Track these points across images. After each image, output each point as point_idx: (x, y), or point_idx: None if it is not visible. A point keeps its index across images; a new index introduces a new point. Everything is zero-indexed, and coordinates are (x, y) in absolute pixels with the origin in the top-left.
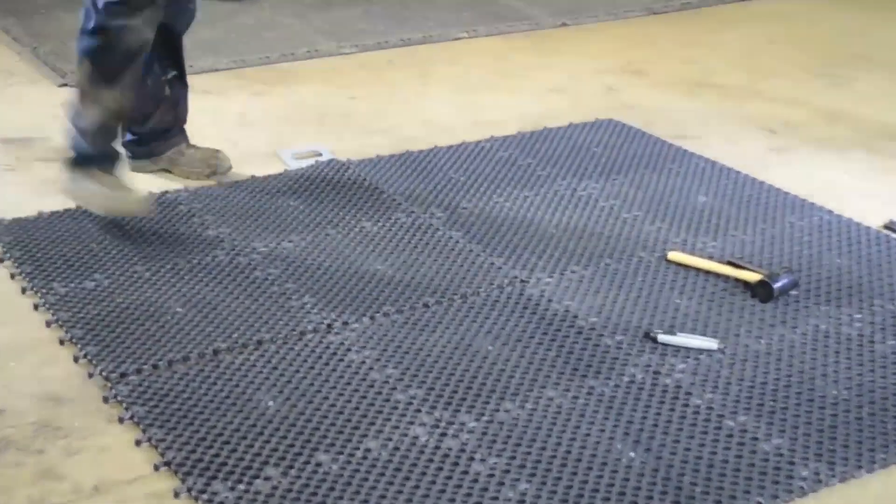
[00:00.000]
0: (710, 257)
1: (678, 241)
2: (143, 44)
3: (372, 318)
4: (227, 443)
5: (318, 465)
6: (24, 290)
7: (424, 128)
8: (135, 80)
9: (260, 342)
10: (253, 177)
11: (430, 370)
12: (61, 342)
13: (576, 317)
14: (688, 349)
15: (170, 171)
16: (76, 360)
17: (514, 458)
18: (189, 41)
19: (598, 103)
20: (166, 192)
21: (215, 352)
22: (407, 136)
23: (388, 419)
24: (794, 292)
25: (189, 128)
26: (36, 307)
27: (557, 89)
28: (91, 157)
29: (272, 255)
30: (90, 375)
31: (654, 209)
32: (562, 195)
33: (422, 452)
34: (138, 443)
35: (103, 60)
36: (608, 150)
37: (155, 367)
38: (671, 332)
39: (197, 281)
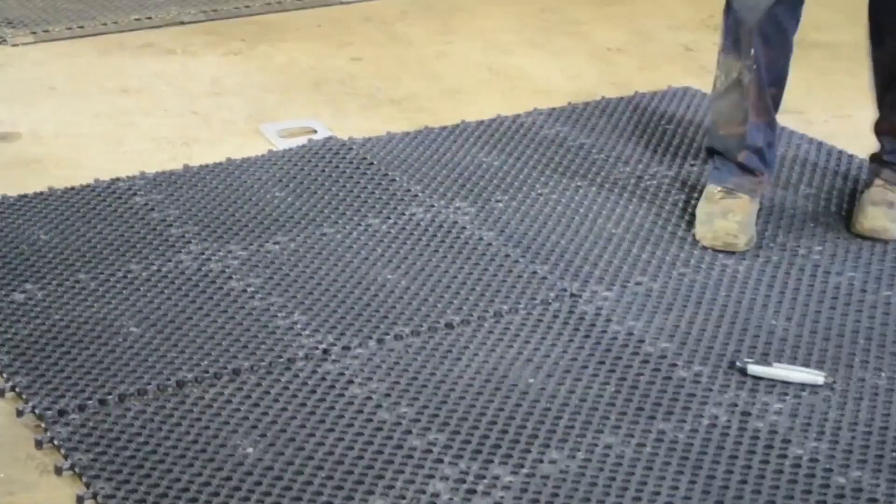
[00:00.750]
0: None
1: (774, 247)
2: None
3: (380, 341)
4: (195, 500)
5: None
6: None
7: (447, 98)
8: None
9: (237, 372)
10: (228, 160)
11: (454, 409)
12: None
13: (641, 341)
14: (786, 384)
15: None
16: (1, 393)
17: None
18: None
19: (673, 67)
20: (117, 178)
21: (179, 383)
22: (425, 109)
23: (402, 471)
24: None
25: (149, 97)
26: None
27: (619, 49)
28: None
29: (252, 260)
30: (19, 413)
31: None
32: (624, 185)
33: None
34: (80, 500)
35: None
36: (684, 128)
37: (102, 402)
38: (765, 361)
39: (157, 293)
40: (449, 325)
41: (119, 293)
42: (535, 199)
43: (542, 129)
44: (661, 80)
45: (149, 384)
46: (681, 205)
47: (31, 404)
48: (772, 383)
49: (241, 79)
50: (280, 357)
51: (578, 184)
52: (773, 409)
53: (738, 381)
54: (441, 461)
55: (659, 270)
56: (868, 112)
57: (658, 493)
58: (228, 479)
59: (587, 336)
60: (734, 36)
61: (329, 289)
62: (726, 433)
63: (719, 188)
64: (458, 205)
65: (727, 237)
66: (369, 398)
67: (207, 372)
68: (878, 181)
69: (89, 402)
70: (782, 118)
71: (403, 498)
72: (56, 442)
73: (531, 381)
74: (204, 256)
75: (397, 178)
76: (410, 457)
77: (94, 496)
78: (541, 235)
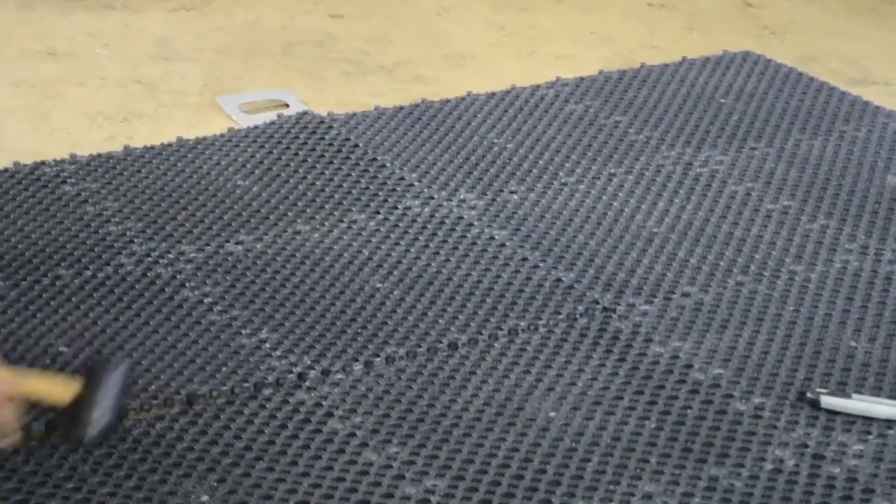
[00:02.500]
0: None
1: (853, 249)
2: None
3: (367, 364)
4: None
5: None
6: None
7: (449, 64)
8: None
9: (190, 400)
10: (179, 140)
11: (456, 449)
12: None
13: (689, 366)
14: (868, 419)
15: None
16: None
17: None
18: None
19: (728, 26)
20: (42, 162)
21: (122, 413)
22: (422, 78)
23: None
24: None
25: (81, 62)
26: None
27: (663, 4)
28: None
29: (210, 264)
30: None
31: (814, 196)
32: (668, 173)
33: None
34: None
35: None
36: (743, 102)
37: (26, 434)
38: (842, 392)
39: (92, 304)
40: (452, 346)
41: (45, 304)
42: (559, 189)
43: (566, 104)
44: (715, 44)
45: None
46: (738, 198)
47: None
48: (850, 419)
49: (194, 40)
50: (244, 383)
51: (612, 171)
52: (853, 450)
53: (808, 415)
54: None
55: (711, 279)
56: None
57: None
58: None
59: (622, 359)
60: None
61: (304, 300)
62: (794, 480)
63: None
64: (462, 196)
65: None
66: (353, 435)
67: (156, 398)
68: None
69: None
70: (863, 90)
71: None
72: None
73: (553, 414)
74: (150, 259)
75: (388, 164)
76: None
77: None
78: (565, 235)
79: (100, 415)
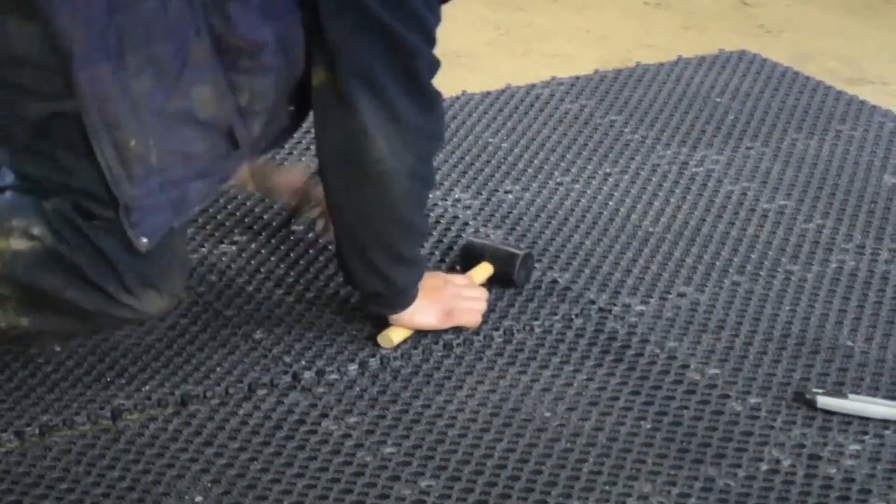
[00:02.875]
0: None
1: (849, 249)
2: None
3: (362, 365)
4: None
5: None
6: None
7: (444, 63)
8: None
9: (184, 401)
10: None
11: (452, 450)
12: None
13: (685, 366)
14: (865, 420)
15: None
16: None
17: None
18: None
19: (724, 25)
20: None
21: (115, 413)
22: None
23: None
24: None
25: None
26: None
27: (659, 2)
28: None
29: (205, 265)
30: None
31: (811, 196)
32: (664, 173)
33: None
34: None
35: None
36: (739, 101)
37: (19, 435)
38: (839, 392)
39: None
40: (447, 346)
41: None
42: (554, 189)
43: (562, 103)
44: (711, 43)
45: (77, 413)
46: (734, 197)
47: None
48: (847, 419)
49: None
50: (239, 383)
51: (607, 171)
52: (849, 451)
53: (805, 416)
54: None
55: (707, 279)
56: None
57: None
58: None
59: (618, 360)
60: None
61: (299, 300)
62: (791, 481)
63: None
64: (457, 196)
65: None
66: (347, 435)
67: (149, 399)
68: None
69: (3, 434)
70: (859, 89)
71: None
72: None
73: (548, 414)
74: None
75: None
76: None
77: None
78: (560, 235)
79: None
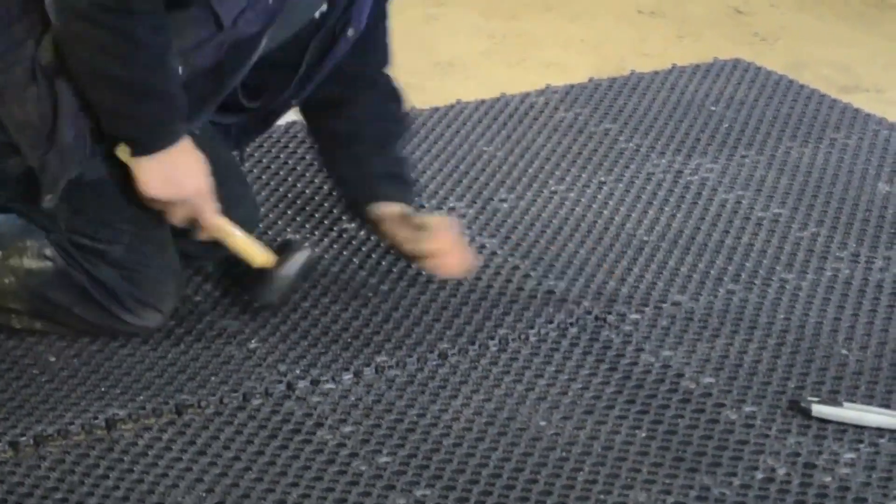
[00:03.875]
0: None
1: (843, 257)
2: None
3: (357, 374)
4: None
5: None
6: None
7: (438, 72)
8: None
9: (179, 409)
10: None
11: (447, 459)
12: None
13: (680, 375)
14: (860, 428)
15: None
16: None
17: None
18: None
19: (718, 33)
20: None
21: (109, 423)
22: (410, 86)
23: None
24: None
25: None
26: None
27: (653, 11)
28: None
29: (200, 274)
30: None
31: (805, 204)
32: (659, 181)
33: None
34: None
35: None
36: (733, 109)
37: (13, 445)
38: (834, 401)
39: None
40: (442, 355)
41: None
42: (549, 197)
43: (556, 112)
44: (705, 51)
45: (71, 423)
46: (729, 206)
47: None
48: (842, 427)
49: None
50: (233, 392)
51: (602, 179)
52: (844, 459)
53: (800, 424)
54: None
55: (701, 287)
56: None
57: None
58: None
59: (613, 368)
60: None
61: (295, 309)
62: (786, 489)
63: None
64: (452, 205)
65: None
66: (342, 445)
67: (144, 408)
68: None
69: None
70: (854, 97)
71: None
72: None
73: (543, 423)
74: None
75: None
76: None
77: None
78: (555, 243)
79: (279, 286)
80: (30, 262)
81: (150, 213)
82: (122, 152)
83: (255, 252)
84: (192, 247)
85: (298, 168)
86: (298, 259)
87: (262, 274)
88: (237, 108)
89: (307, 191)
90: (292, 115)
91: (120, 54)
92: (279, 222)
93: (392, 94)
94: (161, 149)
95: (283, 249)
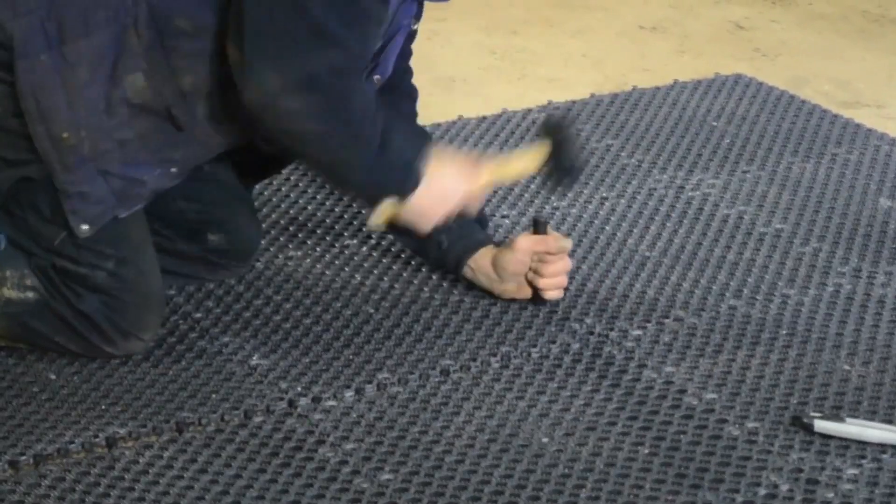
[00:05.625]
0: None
1: (845, 273)
2: None
3: (359, 391)
4: None
5: None
6: None
7: (440, 88)
8: None
9: (180, 427)
10: None
11: (449, 476)
12: None
13: (683, 391)
14: (863, 444)
15: None
16: None
17: None
18: None
19: (719, 49)
20: None
21: (110, 441)
22: None
23: None
24: None
25: None
26: None
27: (654, 26)
28: None
29: (202, 291)
30: None
31: (807, 219)
32: (660, 197)
33: None
34: None
35: None
36: (735, 125)
37: (13, 465)
38: (836, 416)
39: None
40: (444, 372)
41: None
42: (550, 213)
43: None
44: (706, 66)
45: (71, 442)
46: (731, 221)
47: None
48: (844, 443)
49: None
50: (234, 409)
51: (604, 195)
52: (847, 475)
53: (802, 440)
54: None
55: (704, 303)
56: None
57: None
58: None
59: (615, 385)
60: None
61: (297, 325)
62: None
63: None
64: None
65: None
66: (344, 462)
67: (144, 426)
68: None
69: None
70: (855, 112)
71: None
72: None
73: (546, 440)
74: None
75: None
76: None
77: None
78: None
79: (572, 162)
80: (10, 293)
81: (135, 237)
82: (384, 212)
83: (525, 162)
84: (178, 267)
85: (300, 184)
86: (569, 132)
87: (551, 165)
88: (254, 150)
89: (309, 206)
90: None
91: (353, 116)
92: (281, 238)
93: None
94: (420, 182)
95: (550, 131)
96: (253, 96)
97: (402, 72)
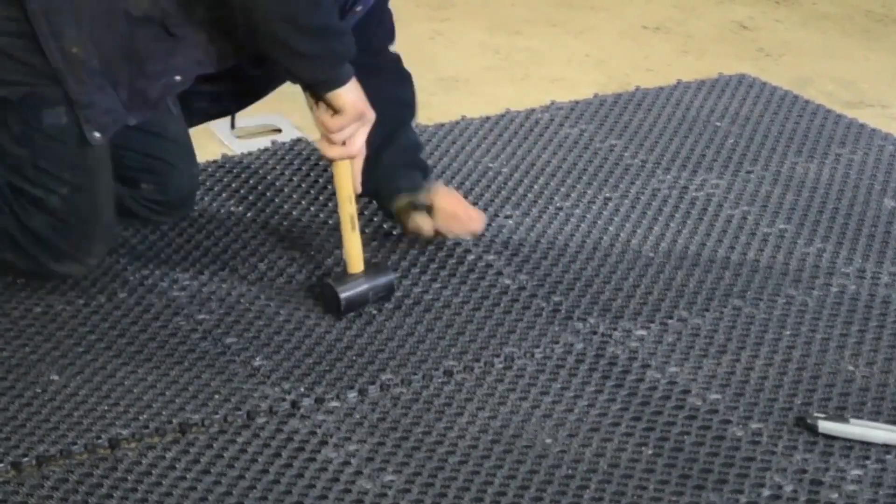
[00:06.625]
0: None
1: (849, 273)
2: None
3: (362, 392)
4: None
5: None
6: None
7: (443, 88)
8: None
9: (183, 428)
10: None
11: (452, 476)
12: None
13: (687, 391)
14: (867, 445)
15: None
16: None
17: None
18: None
19: (723, 49)
20: None
21: (113, 442)
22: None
23: None
24: None
25: None
26: None
27: (658, 26)
28: None
29: (204, 292)
30: None
31: (811, 219)
32: (664, 197)
33: None
34: None
35: None
36: (738, 125)
37: (16, 466)
38: (840, 417)
39: (84, 333)
40: (447, 373)
41: (37, 332)
42: (554, 214)
43: (561, 128)
44: (710, 67)
45: (74, 443)
46: (735, 221)
47: None
48: (849, 444)
49: None
50: (237, 410)
51: (607, 195)
52: (851, 476)
53: (806, 441)
54: None
55: (708, 304)
56: None
57: None
58: None
59: (619, 385)
60: None
61: (299, 327)
62: None
63: None
64: None
65: None
66: (347, 463)
67: (147, 427)
68: None
69: None
70: (858, 112)
71: None
72: None
73: (549, 441)
74: (143, 288)
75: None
76: None
77: None
78: (561, 261)
79: (353, 298)
80: None
81: (94, 168)
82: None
83: (356, 257)
84: (141, 209)
85: (303, 185)
86: (383, 279)
87: (345, 278)
88: (237, 75)
89: (312, 208)
90: (297, 133)
91: (307, 3)
92: (281, 239)
93: (402, 78)
94: (351, 78)
95: (374, 266)
96: None
97: (383, 42)
